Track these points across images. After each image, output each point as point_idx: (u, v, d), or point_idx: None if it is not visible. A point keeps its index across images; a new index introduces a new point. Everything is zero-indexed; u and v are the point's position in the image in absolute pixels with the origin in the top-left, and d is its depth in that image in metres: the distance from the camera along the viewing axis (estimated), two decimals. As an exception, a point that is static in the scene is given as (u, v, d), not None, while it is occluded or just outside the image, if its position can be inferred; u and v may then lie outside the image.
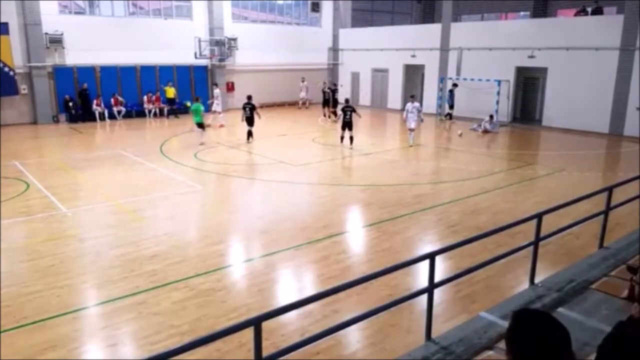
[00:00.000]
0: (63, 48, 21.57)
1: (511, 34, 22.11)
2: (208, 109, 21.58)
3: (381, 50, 27.35)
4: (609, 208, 6.98)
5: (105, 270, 7.16)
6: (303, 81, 27.40)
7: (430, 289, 4.73)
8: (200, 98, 18.26)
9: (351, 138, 16.53)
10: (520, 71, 22.50)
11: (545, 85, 21.63)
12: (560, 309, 5.10)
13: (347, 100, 17.47)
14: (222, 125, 20.90)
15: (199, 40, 24.28)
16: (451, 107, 22.22)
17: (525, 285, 6.00)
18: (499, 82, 20.92)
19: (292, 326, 5.61)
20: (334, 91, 23.62)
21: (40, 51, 20.99)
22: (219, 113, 21.47)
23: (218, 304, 6.22)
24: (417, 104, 16.95)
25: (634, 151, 15.98)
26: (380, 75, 28.39)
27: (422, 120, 17.25)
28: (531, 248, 5.92)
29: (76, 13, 22.69)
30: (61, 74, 21.85)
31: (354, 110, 16.43)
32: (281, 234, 8.72)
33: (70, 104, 21.93)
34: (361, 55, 28.78)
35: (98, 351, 5.41)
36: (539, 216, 5.76)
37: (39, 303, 6.19)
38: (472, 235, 5.88)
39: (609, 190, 6.95)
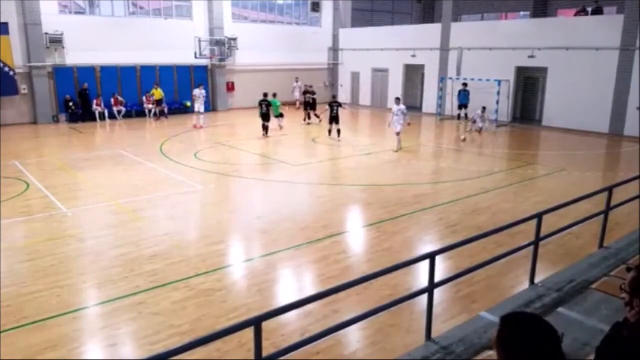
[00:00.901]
0: (63, 48, 21.56)
1: (511, 34, 22.11)
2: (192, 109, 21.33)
3: (381, 50, 27.35)
4: (609, 208, 6.98)
5: (105, 270, 7.16)
6: (297, 81, 27.17)
7: (430, 289, 4.73)
8: (277, 94, 19.07)
9: (338, 131, 17.54)
10: (521, 71, 22.50)
11: (546, 85, 21.62)
12: (560, 309, 5.10)
13: (334, 97, 19.17)
14: (200, 127, 20.53)
15: (199, 40, 24.26)
16: (465, 106, 22.07)
17: (526, 285, 5.99)
18: (499, 82, 20.90)
19: (292, 326, 5.61)
20: (312, 93, 22.79)
21: (40, 51, 20.98)
22: (200, 114, 20.78)
23: (218, 304, 6.22)
24: (402, 107, 16.21)
25: (634, 151, 15.98)
26: (380, 75, 28.38)
27: (408, 124, 16.31)
28: (531, 248, 5.92)
29: (76, 13, 22.68)
30: (61, 74, 21.85)
31: (340, 105, 17.72)
32: (281, 234, 8.72)
33: (71, 104, 21.90)
34: (361, 55, 28.76)
35: (98, 351, 5.41)
36: (539, 216, 5.76)
37: (39, 303, 6.19)
38: (472, 235, 5.88)
39: (609, 190, 6.95)
